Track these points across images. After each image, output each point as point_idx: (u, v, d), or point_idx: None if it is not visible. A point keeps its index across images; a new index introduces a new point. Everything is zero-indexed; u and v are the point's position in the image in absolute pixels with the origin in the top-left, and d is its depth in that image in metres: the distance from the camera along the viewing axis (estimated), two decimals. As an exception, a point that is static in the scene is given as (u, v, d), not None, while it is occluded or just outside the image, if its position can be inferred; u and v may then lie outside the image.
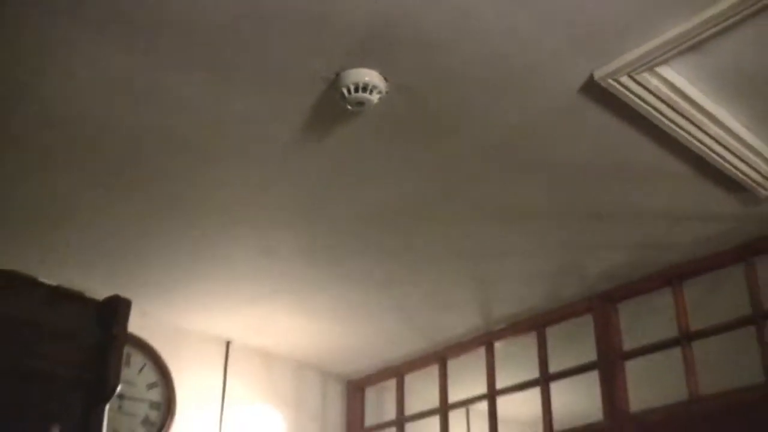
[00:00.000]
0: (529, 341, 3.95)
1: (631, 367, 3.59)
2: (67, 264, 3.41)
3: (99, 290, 2.87)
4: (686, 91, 2.50)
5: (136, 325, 3.33)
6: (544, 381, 3.83)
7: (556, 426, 3.75)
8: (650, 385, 3.55)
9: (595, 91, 2.47)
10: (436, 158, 2.84)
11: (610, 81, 2.40)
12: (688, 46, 2.28)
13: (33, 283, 2.78)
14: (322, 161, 2.84)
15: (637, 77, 2.40)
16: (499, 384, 4.03)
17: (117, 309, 2.90)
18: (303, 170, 2.91)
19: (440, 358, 4.30)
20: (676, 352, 3.42)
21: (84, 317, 2.86)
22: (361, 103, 2.43)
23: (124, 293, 2.87)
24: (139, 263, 3.51)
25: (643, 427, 3.40)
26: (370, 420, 4.62)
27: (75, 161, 2.85)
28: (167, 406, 3.88)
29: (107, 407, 2.84)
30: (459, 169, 2.90)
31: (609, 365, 3.59)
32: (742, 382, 3.21)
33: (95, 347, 2.83)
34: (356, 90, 2.39)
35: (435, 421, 4.23)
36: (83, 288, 2.86)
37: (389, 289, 3.74)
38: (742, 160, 2.83)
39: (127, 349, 3.53)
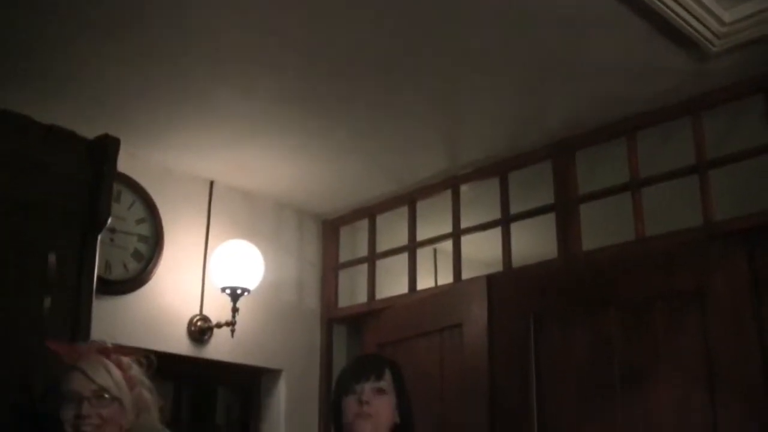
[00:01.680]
0: (492, 185, 4.12)
1: (586, 211, 3.79)
2: (57, 106, 3.44)
3: (88, 132, 3.03)
4: (645, -55, 2.63)
5: (124, 166, 3.50)
6: (505, 222, 4.04)
7: (514, 264, 3.97)
8: (602, 228, 3.74)
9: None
10: (403, 6, 2.91)
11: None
12: None
13: (28, 122, 2.91)
14: (300, 5, 2.91)
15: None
16: (464, 225, 4.24)
17: (106, 147, 3.05)
18: (281, 16, 2.96)
19: (409, 199, 4.48)
20: (627, 198, 3.61)
21: (76, 155, 3.01)
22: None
23: (113, 134, 3.04)
24: (126, 106, 3.59)
25: (593, 264, 3.62)
26: (344, 257, 4.85)
27: (64, 5, 2.89)
28: (155, 240, 4.06)
29: (99, 239, 3.05)
30: (425, 19, 2.97)
31: (565, 208, 3.80)
32: (684, 226, 3.43)
33: (87, 183, 2.99)
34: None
35: (404, 258, 4.47)
36: (73, 129, 3.02)
37: (363, 133, 3.86)
38: (695, 17, 2.97)
39: (117, 187, 3.67)
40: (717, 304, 3.16)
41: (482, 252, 4.48)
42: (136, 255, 4.00)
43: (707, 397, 3.10)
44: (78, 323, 2.86)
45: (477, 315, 3.82)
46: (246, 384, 4.65)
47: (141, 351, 2.58)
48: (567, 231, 3.78)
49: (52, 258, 2.82)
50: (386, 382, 2.54)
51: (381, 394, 2.53)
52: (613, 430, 3.30)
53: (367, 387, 2.53)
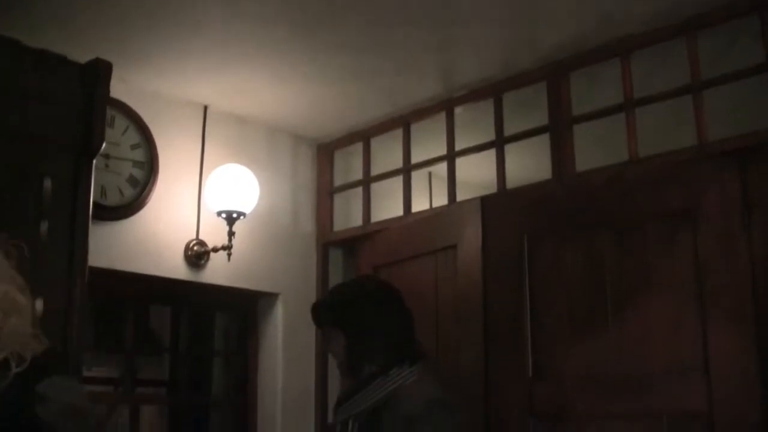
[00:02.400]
0: (487, 107, 4.10)
1: (580, 132, 3.78)
2: (47, 31, 3.39)
3: (79, 58, 3.01)
4: None
5: (117, 92, 3.47)
6: (499, 144, 4.05)
7: (508, 187, 3.99)
8: (596, 150, 3.74)
9: None
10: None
11: None
12: None
13: (18, 47, 2.90)
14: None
15: None
16: (458, 147, 4.24)
17: (98, 71, 3.05)
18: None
19: (404, 122, 4.47)
20: (621, 119, 3.60)
21: (68, 80, 3.00)
22: None
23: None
24: (116, 30, 3.53)
25: (586, 184, 3.64)
26: (338, 180, 4.86)
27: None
28: (151, 166, 4.06)
29: (94, 164, 3.06)
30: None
31: (559, 129, 3.80)
32: (678, 147, 3.43)
33: (80, 108, 3.00)
34: None
35: (398, 181, 4.48)
36: (64, 54, 3.00)
37: (357, 56, 3.82)
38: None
39: (110, 112, 3.67)
40: (709, 224, 3.18)
41: (477, 175, 4.47)
42: (132, 180, 4.01)
43: (698, 315, 3.14)
44: (75, 248, 2.89)
45: (471, 236, 3.85)
46: (243, 308, 4.71)
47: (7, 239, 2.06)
48: (561, 152, 3.79)
49: (47, 183, 2.84)
50: (327, 328, 2.73)
51: (330, 341, 2.72)
52: (605, 348, 3.36)
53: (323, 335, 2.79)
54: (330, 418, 2.77)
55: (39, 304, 2.67)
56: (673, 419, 3.13)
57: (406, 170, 4.46)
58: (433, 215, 4.25)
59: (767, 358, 2.96)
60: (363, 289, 2.83)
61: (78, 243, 2.89)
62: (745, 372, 2.99)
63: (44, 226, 2.78)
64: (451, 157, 4.26)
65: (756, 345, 2.99)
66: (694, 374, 3.10)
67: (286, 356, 4.56)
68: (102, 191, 3.83)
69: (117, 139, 3.95)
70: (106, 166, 3.89)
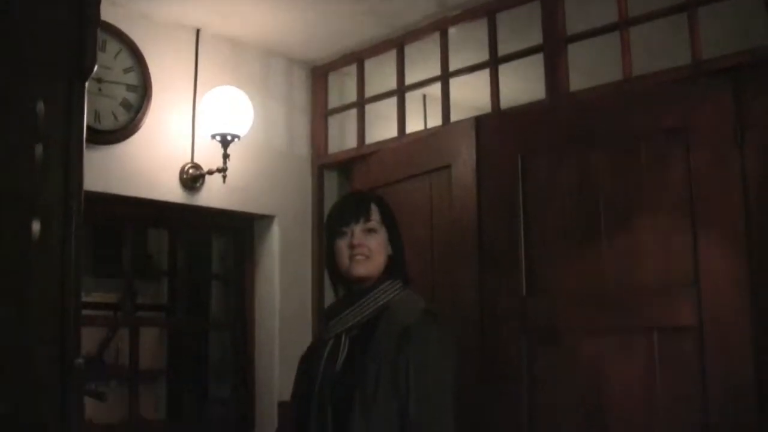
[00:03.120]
0: (481, 27, 4.07)
1: (574, 52, 3.76)
2: None
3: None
4: None
5: (107, 15, 3.46)
6: (493, 63, 4.03)
7: (503, 107, 3.98)
8: (590, 69, 3.75)
9: None
10: None
11: None
12: None
13: (6, -31, 2.86)
14: None
15: None
16: (452, 68, 4.21)
17: (89, -8, 3.01)
18: None
19: (398, 43, 4.45)
20: (615, 37, 3.57)
21: (57, 2, 2.97)
22: None
23: (94, -19, 2.98)
24: (106, -50, 3.53)
25: (580, 104, 3.64)
26: (333, 103, 4.85)
27: None
28: (144, 89, 4.04)
29: (87, 86, 3.04)
30: None
31: (553, 48, 3.77)
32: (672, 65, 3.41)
33: (70, 30, 2.96)
34: None
35: (393, 104, 4.47)
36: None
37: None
38: None
39: (101, 36, 3.65)
40: (701, 142, 3.18)
41: (471, 97, 4.47)
42: (125, 104, 3.99)
43: (689, 232, 3.16)
44: (70, 172, 2.89)
45: (465, 156, 3.86)
46: (239, 230, 4.74)
47: None
48: (555, 71, 3.77)
49: (40, 106, 2.82)
50: (374, 220, 2.62)
51: (371, 233, 2.61)
52: (597, 265, 3.39)
53: (357, 229, 2.61)
54: (323, 334, 2.75)
55: (36, 227, 2.72)
56: (664, 333, 3.18)
57: (401, 92, 4.44)
58: (427, 135, 4.25)
59: (756, 274, 3.00)
60: None
61: (73, 167, 2.87)
62: (735, 288, 3.03)
63: (38, 150, 2.77)
64: (445, 77, 4.24)
65: (745, 261, 3.02)
66: (684, 290, 3.14)
67: (282, 277, 4.61)
68: (96, 115, 3.82)
69: (109, 63, 3.93)
70: (99, 90, 3.88)
